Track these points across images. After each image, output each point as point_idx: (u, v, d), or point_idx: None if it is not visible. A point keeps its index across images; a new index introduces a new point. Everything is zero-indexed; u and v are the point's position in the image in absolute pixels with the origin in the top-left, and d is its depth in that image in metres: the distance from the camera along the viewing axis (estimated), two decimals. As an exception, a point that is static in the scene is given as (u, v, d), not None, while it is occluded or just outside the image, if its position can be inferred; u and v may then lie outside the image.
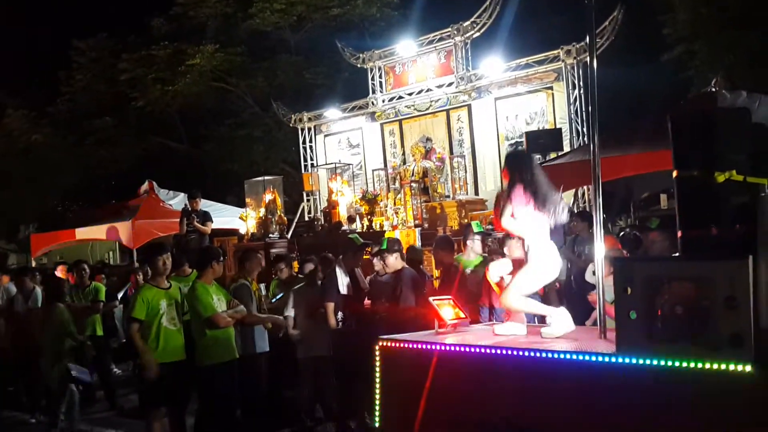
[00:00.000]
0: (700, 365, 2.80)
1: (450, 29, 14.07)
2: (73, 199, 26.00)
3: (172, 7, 21.20)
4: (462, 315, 4.72)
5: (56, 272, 10.33)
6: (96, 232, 14.23)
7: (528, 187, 4.01)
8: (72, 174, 22.52)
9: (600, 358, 3.14)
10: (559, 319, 3.96)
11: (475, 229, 6.59)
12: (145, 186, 15.16)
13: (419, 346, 4.04)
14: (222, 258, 6.16)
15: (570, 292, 7.04)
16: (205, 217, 10.28)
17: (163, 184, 15.73)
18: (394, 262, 6.39)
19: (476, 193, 13.68)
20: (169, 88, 20.62)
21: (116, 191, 21.11)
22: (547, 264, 4.07)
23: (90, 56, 21.88)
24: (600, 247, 4.04)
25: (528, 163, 4.20)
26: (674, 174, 3.24)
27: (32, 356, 7.77)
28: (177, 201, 14.38)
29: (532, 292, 4.32)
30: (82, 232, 14.54)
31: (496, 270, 4.32)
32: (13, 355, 8.03)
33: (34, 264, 15.36)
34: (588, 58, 4.37)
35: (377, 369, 4.32)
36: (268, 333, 6.59)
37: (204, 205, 11.24)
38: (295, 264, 8.55)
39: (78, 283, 8.74)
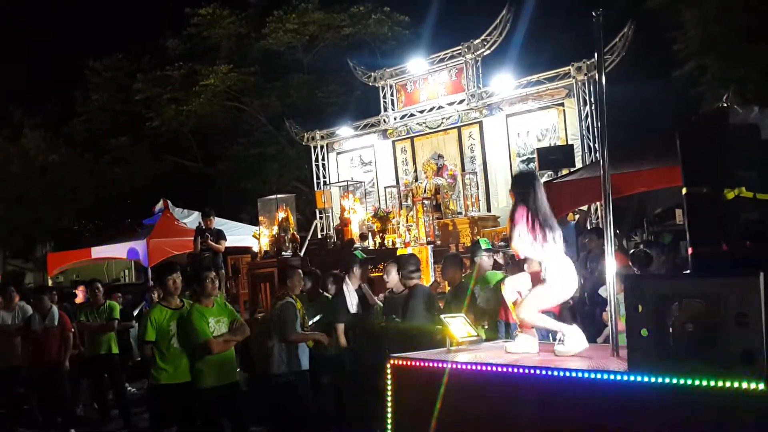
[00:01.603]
0: (712, 383, 2.79)
1: (461, 47, 14.16)
2: (89, 218, 26.27)
3: (186, 27, 21.52)
4: (474, 332, 4.72)
5: (76, 291, 10.42)
6: (112, 250, 14.36)
7: (530, 208, 4.03)
8: (88, 193, 22.78)
9: (612, 377, 3.13)
10: (573, 336, 3.95)
11: (483, 246, 6.57)
12: (160, 205, 15.29)
13: (431, 365, 4.05)
14: (206, 275, 5.83)
15: (583, 309, 7.02)
16: (219, 236, 10.36)
17: (177, 203, 15.86)
18: (402, 279, 6.37)
19: (488, 209, 13.67)
20: (184, 108, 20.87)
21: (131, 210, 21.32)
22: (563, 280, 4.06)
23: (105, 76, 22.22)
24: (611, 264, 4.04)
25: (532, 183, 4.21)
26: (684, 191, 3.25)
27: (49, 374, 7.83)
28: (191, 219, 14.49)
29: (548, 308, 4.32)
30: (98, 251, 14.67)
31: (512, 285, 4.31)
32: (30, 374, 8.07)
33: (50, 283, 15.49)
34: (597, 75, 4.40)
35: (389, 387, 4.33)
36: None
37: (218, 223, 11.34)
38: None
39: (92, 301, 8.81)
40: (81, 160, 22.34)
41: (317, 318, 6.77)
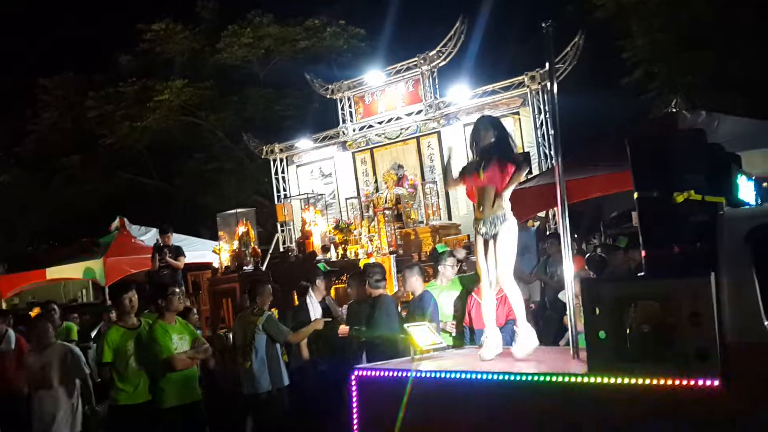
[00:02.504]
0: (669, 382, 2.86)
1: (417, 59, 14.28)
2: (43, 239, 25.57)
3: (138, 43, 21.22)
4: (439, 340, 4.75)
5: (31, 314, 10.11)
6: (67, 271, 14.01)
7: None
8: (41, 213, 22.20)
9: (572, 379, 3.19)
10: (529, 337, 4.10)
11: (440, 250, 6.65)
12: (116, 223, 15.01)
13: (395, 374, 4.06)
14: (173, 292, 5.84)
15: (544, 313, 7.12)
16: (178, 252, 10.22)
17: (134, 220, 15.57)
18: (368, 288, 6.38)
19: (449, 217, 13.78)
20: (138, 125, 20.54)
21: (87, 229, 20.83)
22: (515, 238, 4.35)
23: (56, 94, 21.73)
24: (569, 268, 4.13)
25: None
26: (635, 195, 3.34)
27: (6, 399, 7.55)
28: (149, 237, 14.25)
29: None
30: (53, 272, 14.30)
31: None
32: None
33: (5, 305, 15.01)
34: (549, 84, 4.51)
35: (354, 399, 4.32)
36: None
37: (176, 239, 11.17)
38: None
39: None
40: (32, 180, 21.77)
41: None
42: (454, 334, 6.06)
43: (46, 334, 6.59)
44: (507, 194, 4.30)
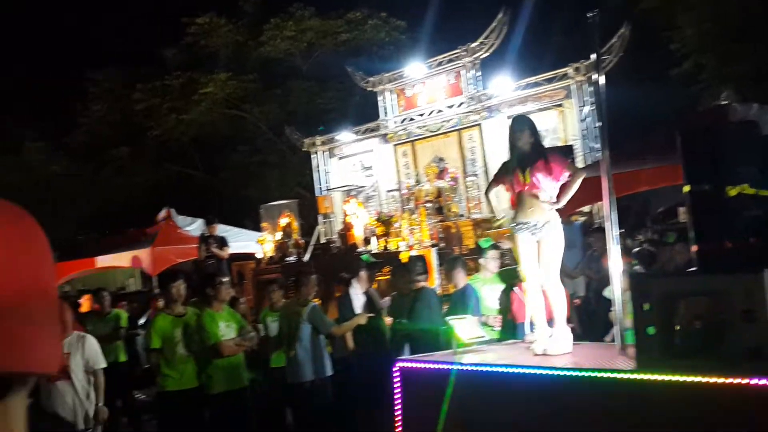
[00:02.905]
0: (720, 380, 2.81)
1: (459, 50, 14.19)
2: (92, 228, 26.29)
3: (183, 37, 21.58)
4: (482, 333, 4.75)
5: (81, 301, 10.42)
6: (116, 259, 14.38)
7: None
8: (90, 203, 22.81)
9: (620, 375, 3.15)
10: (565, 336, 4.07)
11: (483, 245, 6.61)
12: (163, 213, 15.32)
13: (438, 366, 4.07)
14: (221, 282, 6.05)
15: (589, 309, 7.04)
16: (223, 243, 10.39)
17: (180, 211, 15.88)
18: (413, 280, 6.39)
19: (491, 211, 13.69)
20: (183, 117, 20.91)
21: (135, 219, 21.35)
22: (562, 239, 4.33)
23: (104, 87, 22.26)
24: (616, 263, 4.08)
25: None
26: (685, 189, 3.28)
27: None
28: (195, 227, 14.52)
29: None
30: (102, 260, 14.69)
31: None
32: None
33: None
34: (595, 75, 4.44)
35: (396, 390, 4.35)
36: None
37: (221, 230, 11.37)
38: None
39: (99, 310, 8.82)
40: (82, 171, 22.38)
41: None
42: (496, 328, 6.04)
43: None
44: (565, 199, 4.26)
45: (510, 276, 6.05)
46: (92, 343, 5.37)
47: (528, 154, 4.31)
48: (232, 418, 5.77)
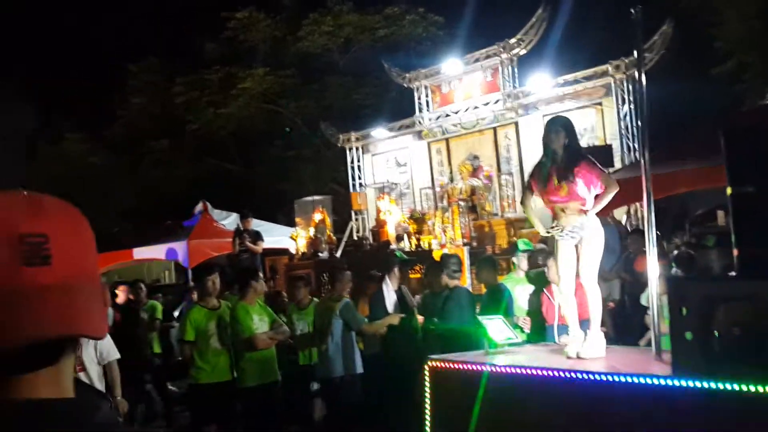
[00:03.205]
0: (759, 388, 2.73)
1: (496, 47, 14.06)
2: (129, 220, 26.78)
3: (223, 31, 21.81)
4: (514, 334, 4.70)
5: (117, 292, 10.59)
6: (153, 251, 14.60)
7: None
8: (128, 195, 23.22)
9: (656, 381, 3.08)
10: (597, 343, 3.99)
11: (522, 247, 6.52)
12: (199, 206, 15.51)
13: (469, 367, 4.04)
14: (260, 276, 6.23)
15: (624, 312, 6.92)
16: (257, 237, 10.48)
17: (216, 205, 16.07)
18: (445, 279, 6.36)
19: (530, 224, 13.54)
20: (222, 111, 21.15)
21: (171, 211, 21.66)
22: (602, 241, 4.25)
23: (144, 79, 22.62)
24: (654, 265, 3.99)
25: None
26: (728, 191, 3.18)
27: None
28: (230, 221, 14.68)
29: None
30: (140, 252, 14.94)
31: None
32: None
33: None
34: (637, 72, 4.33)
35: (426, 389, 4.33)
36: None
37: (255, 224, 11.46)
38: None
39: (136, 300, 8.95)
40: (121, 163, 22.79)
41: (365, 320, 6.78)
42: (526, 330, 5.98)
43: None
44: (595, 210, 4.17)
45: (540, 278, 5.98)
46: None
47: (563, 158, 4.18)
48: (263, 411, 5.81)
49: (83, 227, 1.00)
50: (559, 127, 4.25)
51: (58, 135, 22.96)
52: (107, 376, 5.01)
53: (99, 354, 4.95)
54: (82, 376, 4.59)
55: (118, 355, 5.11)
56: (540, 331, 5.71)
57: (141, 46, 22.46)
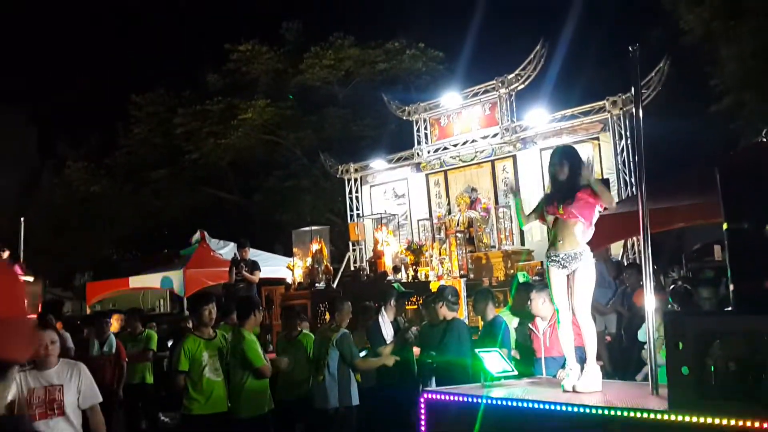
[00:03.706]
0: (756, 424, 2.72)
1: (494, 82, 14.25)
2: (127, 248, 26.75)
3: (225, 63, 22.07)
4: (510, 367, 4.67)
5: (111, 320, 10.52)
6: (149, 280, 14.57)
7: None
8: (127, 223, 23.25)
9: (652, 416, 3.07)
10: (593, 376, 3.97)
11: (521, 279, 6.52)
12: (197, 235, 15.53)
13: (465, 399, 4.01)
14: (258, 305, 6.20)
15: (620, 347, 6.89)
16: (254, 267, 10.44)
17: (213, 234, 16.09)
18: (443, 311, 6.34)
19: (522, 243, 13.59)
20: (222, 141, 21.28)
21: (169, 240, 21.66)
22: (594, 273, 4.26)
23: (147, 110, 22.81)
24: (651, 300, 3.99)
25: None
26: (724, 226, 3.21)
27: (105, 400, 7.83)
28: (227, 250, 14.68)
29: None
30: (136, 281, 14.91)
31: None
32: None
33: (89, 311, 15.76)
34: (634, 109, 4.39)
35: (422, 423, 4.29)
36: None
37: (252, 254, 11.44)
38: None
39: (131, 329, 8.91)
40: (121, 191, 22.85)
41: (364, 353, 6.72)
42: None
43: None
44: (590, 229, 4.20)
45: (525, 311, 5.96)
46: (87, 374, 4.30)
47: (565, 185, 4.27)
48: None
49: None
50: (561, 158, 4.33)
51: (61, 163, 23.08)
52: (90, 421, 4.31)
53: (80, 395, 4.23)
54: (60, 421, 4.07)
55: (100, 398, 4.40)
56: (528, 364, 5.67)
57: (144, 78, 22.74)
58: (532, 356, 5.58)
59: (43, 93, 22.92)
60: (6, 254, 11.46)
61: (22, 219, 12.23)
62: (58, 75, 23.53)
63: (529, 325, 5.68)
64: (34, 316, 11.23)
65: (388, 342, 6.69)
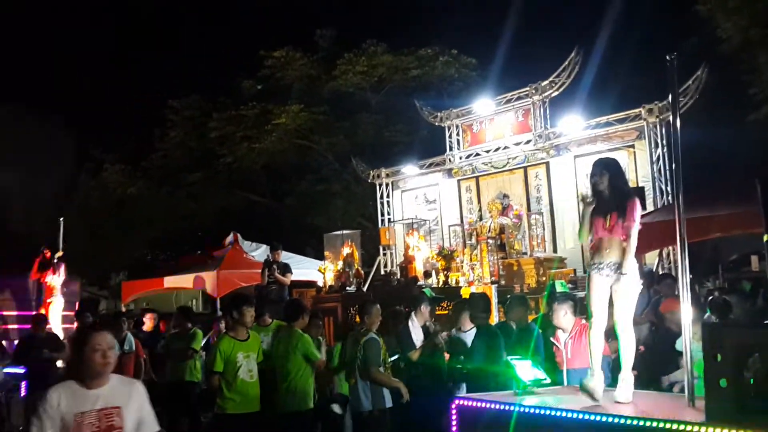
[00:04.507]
0: (797, 438, 2.69)
1: (528, 88, 14.19)
2: (162, 249, 27.18)
3: (260, 69, 22.34)
4: (543, 376, 4.66)
5: (144, 319, 10.69)
6: (183, 281, 14.79)
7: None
8: (161, 225, 23.62)
9: (689, 427, 3.04)
10: (628, 388, 3.94)
11: (559, 288, 6.48)
12: (230, 237, 15.72)
13: (497, 407, 4.02)
14: (306, 309, 6.50)
15: (653, 357, 6.80)
16: (286, 269, 10.54)
17: (246, 236, 16.27)
18: (475, 317, 6.34)
19: (554, 250, 13.49)
20: (256, 146, 21.53)
21: (203, 241, 21.95)
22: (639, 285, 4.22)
23: (183, 115, 23.19)
24: (687, 310, 3.95)
25: None
26: (765, 237, 3.18)
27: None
28: (259, 253, 14.83)
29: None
30: (170, 281, 15.14)
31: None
32: None
33: (123, 309, 16.07)
34: (671, 117, 4.36)
35: (453, 428, 4.31)
36: None
37: (284, 257, 11.56)
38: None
39: (180, 328, 8.82)
40: (157, 194, 23.25)
41: (396, 357, 6.73)
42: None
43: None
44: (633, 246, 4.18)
45: (548, 322, 5.94)
46: (146, 396, 3.36)
47: (607, 196, 4.27)
48: None
49: None
50: (602, 170, 4.32)
51: (98, 166, 23.58)
52: None
53: (140, 425, 3.30)
54: None
55: (158, 428, 3.47)
56: (551, 375, 5.63)
57: (181, 83, 23.13)
58: (555, 368, 5.55)
59: (81, 97, 23.43)
60: (59, 254, 11.74)
61: (61, 220, 12.52)
62: (96, 80, 24.07)
63: (551, 338, 5.66)
64: (72, 313, 11.55)
65: (416, 347, 6.70)
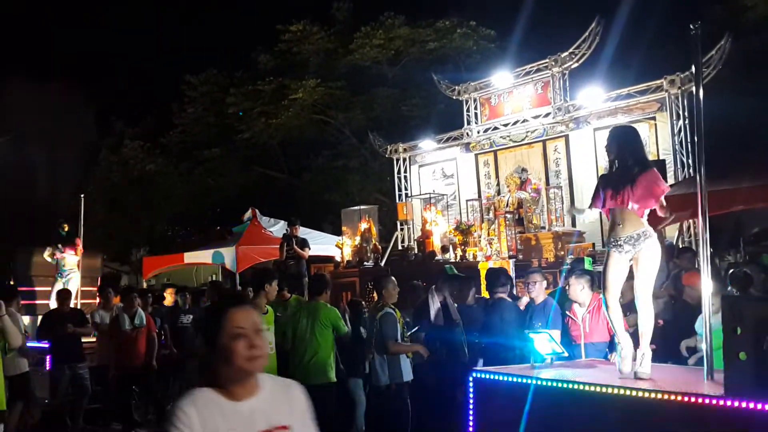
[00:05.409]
0: (817, 412, 2.66)
1: (547, 60, 13.98)
2: (181, 225, 27.44)
3: (277, 43, 22.24)
4: (560, 349, 4.67)
5: (165, 294, 10.82)
6: (202, 256, 14.91)
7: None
8: (181, 201, 23.82)
9: (707, 401, 3.03)
10: (647, 361, 3.91)
11: (587, 266, 6.42)
12: (248, 213, 15.78)
13: (515, 380, 4.03)
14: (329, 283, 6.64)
15: (672, 331, 6.76)
16: (304, 244, 10.60)
17: (264, 212, 16.34)
18: (491, 292, 6.34)
19: (573, 224, 13.39)
20: (273, 121, 21.52)
21: (221, 217, 22.12)
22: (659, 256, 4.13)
23: (200, 90, 23.21)
24: (707, 284, 3.92)
25: None
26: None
27: (139, 373, 8.10)
28: (277, 228, 14.90)
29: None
30: (190, 256, 15.26)
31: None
32: (120, 372, 8.05)
33: (144, 285, 16.26)
34: (693, 88, 4.27)
35: (470, 401, 4.33)
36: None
37: (302, 232, 11.62)
38: None
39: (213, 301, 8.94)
40: (176, 170, 23.41)
41: (415, 329, 6.76)
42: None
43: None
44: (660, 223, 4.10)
45: (564, 296, 5.94)
46: (305, 403, 2.34)
47: (623, 166, 4.14)
48: (318, 411, 5.92)
49: None
50: (620, 138, 4.21)
51: (118, 142, 23.75)
52: None
53: None
54: None
55: None
56: (567, 349, 5.62)
57: (198, 59, 23.12)
58: (570, 342, 5.54)
59: (101, 73, 23.56)
60: (66, 227, 11.82)
61: (82, 196, 12.62)
62: (116, 55, 24.15)
63: (567, 312, 5.67)
64: (95, 288, 11.71)
65: (432, 322, 6.71)
